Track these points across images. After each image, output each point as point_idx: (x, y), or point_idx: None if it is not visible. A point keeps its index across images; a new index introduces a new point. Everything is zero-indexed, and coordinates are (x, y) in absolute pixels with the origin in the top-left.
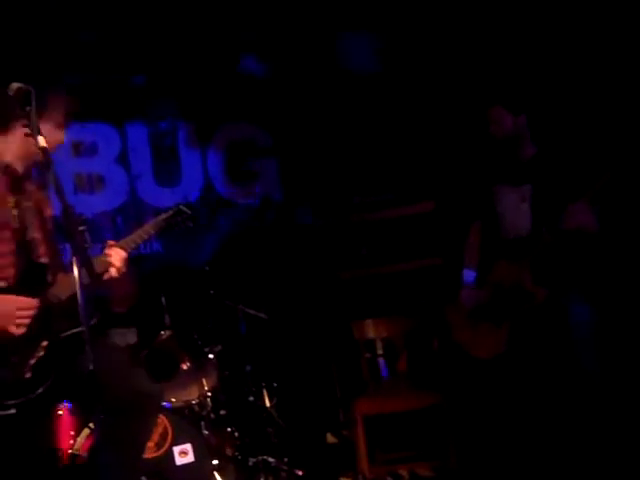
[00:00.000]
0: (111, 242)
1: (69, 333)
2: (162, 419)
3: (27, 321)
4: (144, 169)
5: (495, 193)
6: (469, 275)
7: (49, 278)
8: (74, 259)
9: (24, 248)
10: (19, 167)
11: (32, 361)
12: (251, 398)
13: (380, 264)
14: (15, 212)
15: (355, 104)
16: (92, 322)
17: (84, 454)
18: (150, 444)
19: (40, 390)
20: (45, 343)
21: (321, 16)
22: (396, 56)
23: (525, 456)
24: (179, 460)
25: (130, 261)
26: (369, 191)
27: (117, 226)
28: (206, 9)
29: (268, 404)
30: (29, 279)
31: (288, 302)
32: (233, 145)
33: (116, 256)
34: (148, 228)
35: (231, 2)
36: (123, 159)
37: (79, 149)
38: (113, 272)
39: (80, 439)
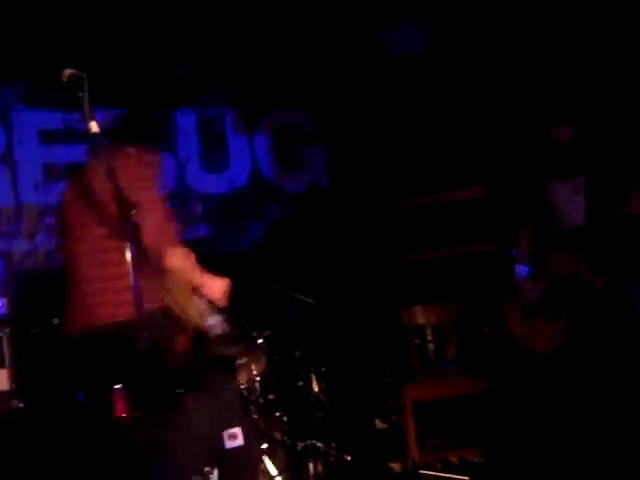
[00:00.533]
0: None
1: None
2: None
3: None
4: (192, 155)
5: (547, 187)
6: (522, 270)
7: None
8: (129, 245)
9: None
10: None
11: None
12: (300, 383)
13: (429, 250)
14: None
15: (403, 88)
16: None
17: None
18: None
19: None
20: None
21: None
22: (447, 39)
23: (577, 448)
24: (229, 443)
25: None
26: (417, 176)
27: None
28: None
29: (316, 389)
30: None
31: (336, 287)
32: (280, 131)
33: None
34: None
35: None
36: (172, 145)
37: None
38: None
39: None
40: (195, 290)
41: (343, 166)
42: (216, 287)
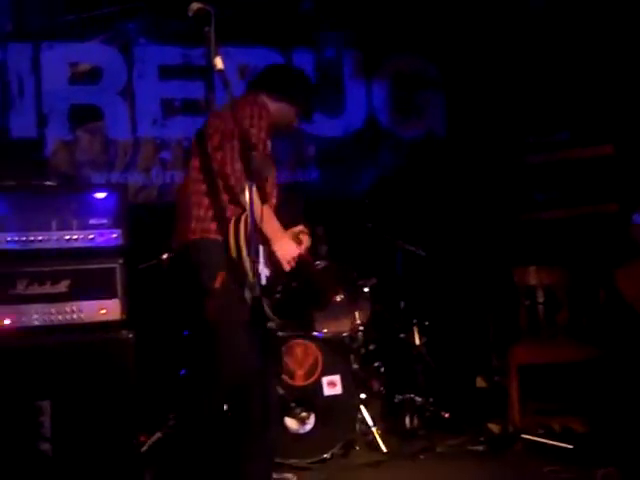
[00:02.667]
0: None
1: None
2: (313, 349)
3: (293, 265)
4: None
5: None
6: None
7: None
8: (248, 184)
9: None
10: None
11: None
12: (402, 335)
13: (549, 208)
14: None
15: (531, 36)
16: None
17: None
18: (300, 372)
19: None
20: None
21: None
22: None
23: None
24: (327, 391)
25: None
26: (542, 131)
27: (278, 152)
28: None
29: (418, 342)
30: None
31: (449, 241)
32: (399, 76)
33: (304, 242)
34: None
35: None
36: None
37: (245, 73)
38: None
39: None
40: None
41: (463, 115)
42: (285, 249)
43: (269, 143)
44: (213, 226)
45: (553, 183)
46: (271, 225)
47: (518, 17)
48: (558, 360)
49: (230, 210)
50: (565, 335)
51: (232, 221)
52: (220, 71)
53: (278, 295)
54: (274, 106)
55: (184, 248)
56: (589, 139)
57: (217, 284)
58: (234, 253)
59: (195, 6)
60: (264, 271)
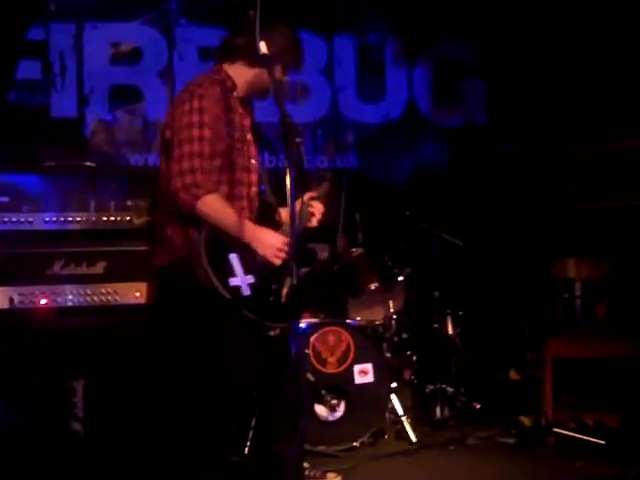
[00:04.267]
0: (311, 195)
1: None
2: (346, 336)
3: (284, 255)
4: (348, 83)
5: None
6: None
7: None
8: (288, 170)
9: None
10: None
11: (285, 289)
12: (435, 325)
13: (590, 200)
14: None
15: (576, 25)
16: None
17: None
18: (332, 359)
19: (294, 317)
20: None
21: None
22: None
23: None
24: (358, 379)
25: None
26: (585, 121)
27: (317, 139)
28: None
29: (451, 332)
30: (263, 217)
31: (487, 231)
32: (442, 63)
33: (318, 208)
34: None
35: None
36: (328, 71)
37: None
38: (314, 222)
39: None
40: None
41: (504, 103)
42: (264, 245)
43: (223, 128)
44: None
45: (595, 174)
46: (237, 228)
47: (562, 4)
48: (594, 355)
49: None
50: (603, 329)
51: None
52: (264, 55)
53: (272, 298)
54: (245, 76)
55: None
56: (631, 131)
57: None
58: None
59: None
60: (246, 280)
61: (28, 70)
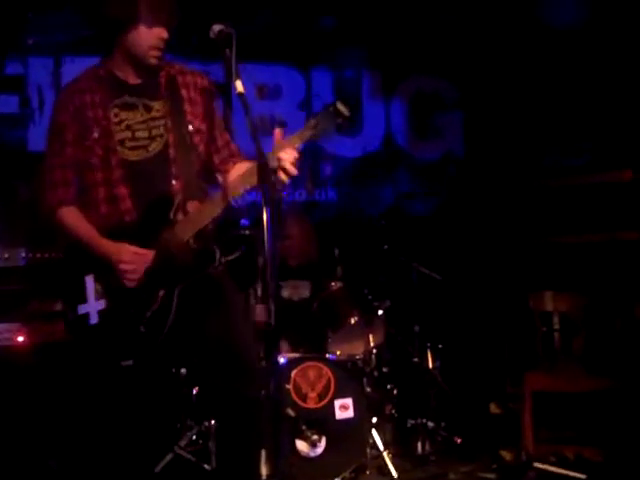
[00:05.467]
0: (278, 132)
1: (189, 281)
2: (326, 371)
3: (137, 275)
4: None
5: None
6: None
7: (173, 214)
8: (264, 209)
9: (140, 173)
10: (131, 76)
11: (148, 313)
12: (415, 359)
13: (567, 233)
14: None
15: (551, 59)
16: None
17: None
18: (312, 394)
19: (154, 346)
20: (162, 293)
21: None
22: (603, 10)
23: None
24: (339, 414)
25: (306, 215)
26: (561, 154)
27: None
28: None
29: (431, 366)
30: (150, 214)
31: (465, 264)
32: (419, 97)
33: (289, 158)
34: (310, 125)
35: None
36: (306, 104)
37: (263, 92)
38: (283, 177)
39: None
40: None
41: (481, 136)
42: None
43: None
44: None
45: (572, 208)
46: (91, 245)
47: (537, 39)
48: (573, 389)
49: None
50: (581, 363)
51: None
52: (240, 94)
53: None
54: (115, 59)
55: None
56: (608, 164)
57: None
58: None
59: (217, 28)
60: (96, 306)
61: (6, 105)
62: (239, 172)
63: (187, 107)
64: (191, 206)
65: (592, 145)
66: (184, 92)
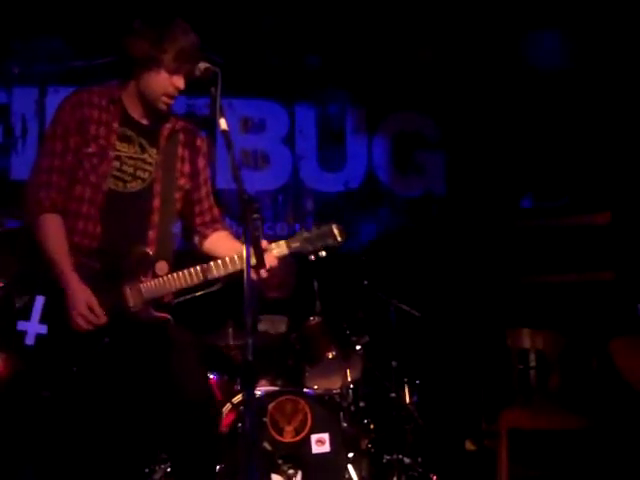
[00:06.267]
0: (265, 244)
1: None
2: (303, 405)
3: (85, 327)
4: (309, 151)
5: None
6: None
7: (143, 272)
8: (245, 246)
9: (113, 203)
10: (138, 113)
11: (86, 355)
12: (392, 394)
13: (544, 273)
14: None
15: (533, 102)
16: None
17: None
18: (289, 428)
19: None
20: (106, 340)
21: (508, 11)
22: (588, 53)
23: None
24: (315, 448)
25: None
26: (540, 195)
27: (277, 205)
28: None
29: (408, 401)
30: (119, 262)
31: (443, 301)
32: (401, 134)
33: (270, 259)
34: (301, 238)
35: None
36: (290, 139)
37: (247, 125)
38: (263, 273)
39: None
40: None
41: (463, 175)
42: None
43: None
44: None
45: (550, 248)
46: (56, 266)
47: (520, 81)
48: (549, 426)
49: None
50: (557, 401)
51: None
52: (224, 132)
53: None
54: (129, 90)
55: None
56: (586, 206)
57: None
58: None
59: (203, 66)
60: (37, 328)
61: None
62: (220, 248)
63: (179, 165)
64: (160, 267)
65: (571, 188)
66: (180, 150)
